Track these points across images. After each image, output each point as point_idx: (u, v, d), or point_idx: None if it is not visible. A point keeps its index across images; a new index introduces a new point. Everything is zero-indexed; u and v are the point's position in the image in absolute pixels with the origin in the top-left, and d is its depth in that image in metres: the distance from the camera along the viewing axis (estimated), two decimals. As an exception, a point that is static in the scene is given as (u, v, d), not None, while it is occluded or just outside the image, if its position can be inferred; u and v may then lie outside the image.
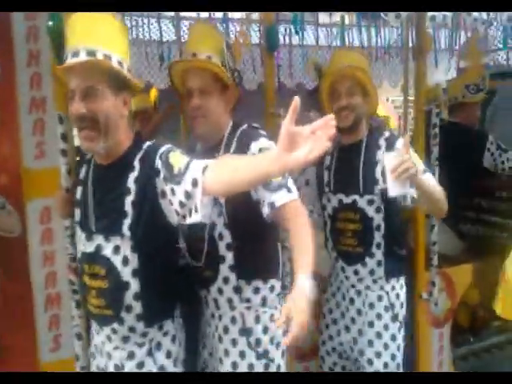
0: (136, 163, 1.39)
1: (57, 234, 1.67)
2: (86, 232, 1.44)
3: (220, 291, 1.60)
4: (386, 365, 1.89)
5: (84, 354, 1.63)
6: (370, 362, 1.90)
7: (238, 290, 1.58)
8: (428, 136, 2.28)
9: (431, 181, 1.78)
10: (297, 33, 2.29)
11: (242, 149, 1.51)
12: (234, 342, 1.59)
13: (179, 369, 1.51)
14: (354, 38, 3.12)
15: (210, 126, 1.58)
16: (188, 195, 1.28)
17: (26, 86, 1.57)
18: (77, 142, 1.47)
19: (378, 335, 1.89)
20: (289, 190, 1.46)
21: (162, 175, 1.34)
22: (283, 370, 1.64)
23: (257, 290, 1.59)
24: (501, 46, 3.18)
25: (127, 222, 1.37)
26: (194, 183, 1.25)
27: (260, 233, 1.56)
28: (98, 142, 1.35)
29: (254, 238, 1.54)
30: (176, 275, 1.51)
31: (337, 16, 2.94)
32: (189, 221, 1.31)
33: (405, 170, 1.54)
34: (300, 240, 1.40)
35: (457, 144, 2.56)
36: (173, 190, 1.32)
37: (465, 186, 2.70)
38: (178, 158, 1.34)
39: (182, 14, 2.72)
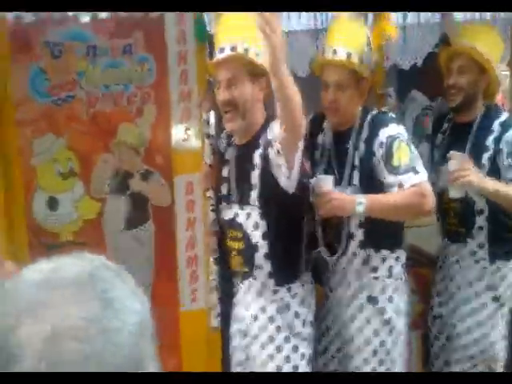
0: (261, 141, 1.61)
1: (198, 204, 2.00)
2: (227, 202, 1.74)
3: (350, 262, 1.79)
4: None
5: (218, 303, 1.94)
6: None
7: (367, 261, 1.76)
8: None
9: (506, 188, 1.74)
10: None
11: (372, 135, 1.68)
12: (361, 309, 1.78)
13: (307, 329, 1.67)
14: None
15: (343, 116, 1.74)
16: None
17: (176, 81, 1.90)
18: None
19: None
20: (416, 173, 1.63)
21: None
22: (403, 337, 1.81)
23: (384, 260, 1.77)
24: None
25: (255, 192, 1.62)
26: None
27: None
28: (238, 123, 1.61)
29: None
30: (301, 242, 1.69)
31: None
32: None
33: (457, 178, 1.67)
34: None
35: None
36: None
37: None
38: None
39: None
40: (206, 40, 1.76)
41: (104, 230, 1.94)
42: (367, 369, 1.79)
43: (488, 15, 2.17)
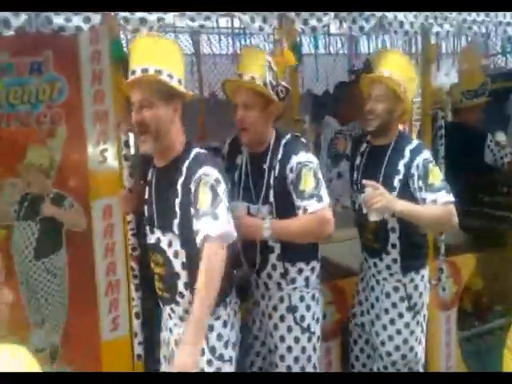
0: (184, 169, 1.58)
1: (117, 229, 1.92)
2: (149, 226, 1.69)
3: (269, 276, 1.86)
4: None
5: (141, 331, 1.88)
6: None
7: (284, 274, 1.84)
8: (434, 137, 2.52)
9: (421, 210, 1.89)
10: (316, 47, 2.53)
11: (285, 159, 1.77)
12: (282, 319, 1.85)
13: (229, 351, 1.66)
14: (362, 46, 3.36)
15: (252, 136, 1.82)
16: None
17: (90, 101, 1.83)
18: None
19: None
20: (319, 200, 1.71)
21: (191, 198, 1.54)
22: (320, 341, 1.91)
23: (300, 271, 1.86)
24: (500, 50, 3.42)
25: (176, 221, 1.58)
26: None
27: None
28: (150, 144, 1.58)
29: None
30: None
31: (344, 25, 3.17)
32: None
33: (372, 204, 1.82)
34: None
35: (460, 143, 2.80)
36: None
37: (469, 183, 2.94)
38: (204, 196, 1.49)
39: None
40: (122, 60, 1.73)
41: (14, 259, 1.80)
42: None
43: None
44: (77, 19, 1.55)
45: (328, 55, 3.24)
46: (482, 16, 2.30)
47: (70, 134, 1.84)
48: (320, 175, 1.77)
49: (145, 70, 1.54)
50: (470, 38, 3.19)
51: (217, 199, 1.50)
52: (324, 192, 1.73)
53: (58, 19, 1.52)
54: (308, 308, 1.87)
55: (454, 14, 2.21)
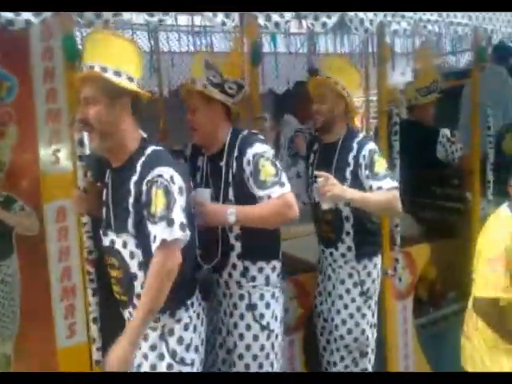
0: (138, 167, 1.54)
1: (71, 232, 1.86)
2: (104, 228, 1.65)
3: (230, 275, 1.86)
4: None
5: (99, 336, 1.83)
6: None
7: (244, 272, 1.85)
8: (389, 133, 2.60)
9: (369, 196, 2.03)
10: (273, 42, 2.53)
11: (241, 154, 1.77)
12: (242, 317, 1.86)
13: (190, 354, 1.63)
14: (321, 45, 3.39)
15: (203, 136, 1.85)
16: None
17: (42, 100, 1.75)
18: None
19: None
20: (281, 185, 1.72)
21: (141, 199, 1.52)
22: (280, 339, 1.93)
23: (261, 270, 1.87)
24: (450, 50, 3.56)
25: (131, 220, 1.55)
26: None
27: None
28: (96, 143, 1.55)
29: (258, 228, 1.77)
30: (181, 270, 1.56)
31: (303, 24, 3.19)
32: None
33: (324, 192, 1.92)
34: None
35: (414, 139, 2.90)
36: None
37: (422, 177, 3.06)
38: (158, 200, 1.47)
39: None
40: (76, 57, 1.66)
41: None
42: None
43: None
44: (27, 13, 1.47)
45: (288, 55, 3.25)
46: (435, 16, 2.37)
47: (21, 135, 1.76)
48: (278, 163, 1.78)
49: (91, 67, 1.51)
50: (423, 38, 3.32)
51: (171, 202, 1.48)
52: (285, 178, 1.75)
53: (7, 13, 1.44)
54: (267, 306, 1.88)
55: (411, 12, 2.27)
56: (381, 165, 2.07)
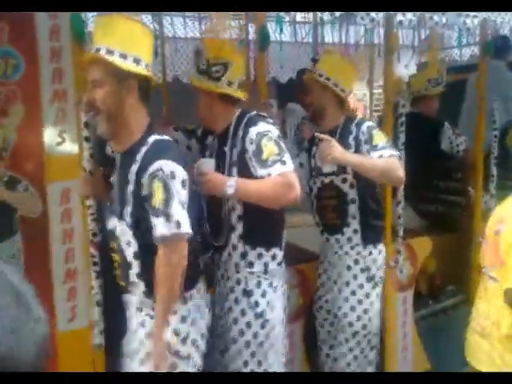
0: (139, 157, 1.52)
1: (76, 214, 1.84)
2: (109, 211, 1.63)
3: (230, 255, 1.85)
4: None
5: (101, 319, 1.82)
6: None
7: (244, 255, 1.84)
8: (395, 124, 2.59)
9: (369, 160, 2.06)
10: (281, 30, 2.52)
11: (245, 133, 1.76)
12: (237, 301, 1.85)
13: (187, 347, 1.60)
14: (326, 35, 3.37)
15: (207, 122, 1.88)
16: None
17: (48, 79, 1.73)
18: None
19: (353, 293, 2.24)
20: (283, 163, 1.71)
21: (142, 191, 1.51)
22: (278, 330, 1.89)
23: (260, 256, 1.85)
24: (455, 44, 3.55)
25: (129, 209, 1.54)
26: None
27: None
28: (104, 126, 1.54)
29: (261, 209, 1.75)
30: None
31: (310, 14, 3.19)
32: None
33: (325, 155, 1.99)
34: None
35: (418, 132, 2.89)
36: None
37: (426, 170, 3.05)
38: (158, 194, 1.46)
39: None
40: (83, 37, 1.64)
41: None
42: (240, 360, 1.86)
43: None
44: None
45: (294, 43, 3.24)
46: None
47: (26, 114, 1.73)
48: (282, 143, 1.77)
49: (97, 50, 1.50)
50: (427, 31, 3.30)
51: (170, 197, 1.46)
52: (288, 157, 1.73)
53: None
54: (263, 294, 1.85)
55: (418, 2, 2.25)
56: (380, 137, 2.12)
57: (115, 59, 1.48)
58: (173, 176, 1.48)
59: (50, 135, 1.77)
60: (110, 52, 1.49)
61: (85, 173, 1.73)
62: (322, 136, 2.03)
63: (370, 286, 2.24)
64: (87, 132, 1.71)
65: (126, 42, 1.51)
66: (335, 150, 1.98)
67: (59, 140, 1.78)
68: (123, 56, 1.50)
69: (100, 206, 1.77)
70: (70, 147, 1.80)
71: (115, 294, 1.76)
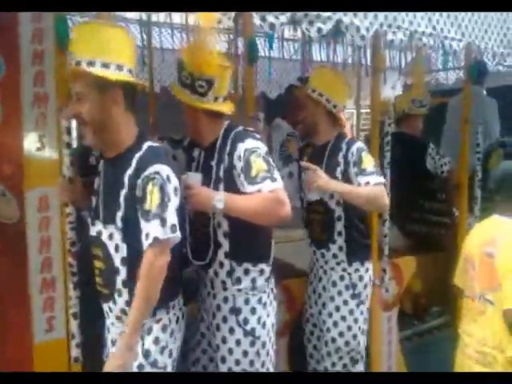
0: (134, 161, 1.51)
1: (54, 221, 1.78)
2: (92, 218, 1.59)
3: (216, 273, 1.80)
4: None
5: (79, 332, 1.75)
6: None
7: (230, 272, 1.79)
8: (381, 143, 2.60)
9: (354, 189, 2.09)
10: (270, 47, 2.53)
11: (233, 149, 1.73)
12: (225, 319, 1.79)
13: (164, 357, 1.57)
14: (314, 53, 3.42)
15: (194, 135, 1.86)
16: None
17: (29, 83, 1.69)
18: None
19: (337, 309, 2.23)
20: (273, 180, 1.67)
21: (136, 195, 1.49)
22: (268, 347, 1.84)
23: (247, 272, 1.80)
24: (441, 67, 3.61)
25: (120, 213, 1.51)
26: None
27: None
28: (89, 138, 1.53)
29: (247, 225, 1.70)
30: (168, 268, 1.51)
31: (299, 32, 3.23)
32: None
33: (310, 183, 2.05)
34: None
35: (403, 151, 2.91)
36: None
37: (410, 191, 3.06)
38: (153, 197, 1.45)
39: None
40: (67, 42, 1.61)
41: None
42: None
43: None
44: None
45: (281, 60, 3.27)
46: (429, 29, 2.40)
47: (6, 118, 1.68)
48: (271, 160, 1.74)
49: (77, 63, 1.47)
50: (414, 53, 3.36)
51: (165, 201, 1.46)
52: (277, 174, 1.70)
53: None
54: (253, 311, 1.80)
55: (407, 23, 2.29)
56: (368, 161, 2.13)
57: (96, 70, 1.46)
58: (169, 180, 1.49)
59: (29, 139, 1.72)
60: (90, 63, 1.46)
61: (64, 179, 1.68)
62: (307, 165, 2.06)
63: (354, 303, 2.22)
64: (68, 138, 1.66)
65: (106, 51, 1.48)
66: (321, 178, 2.02)
67: (39, 145, 1.73)
68: (105, 65, 1.48)
69: (79, 214, 1.72)
70: (50, 153, 1.75)
71: (94, 305, 1.70)
